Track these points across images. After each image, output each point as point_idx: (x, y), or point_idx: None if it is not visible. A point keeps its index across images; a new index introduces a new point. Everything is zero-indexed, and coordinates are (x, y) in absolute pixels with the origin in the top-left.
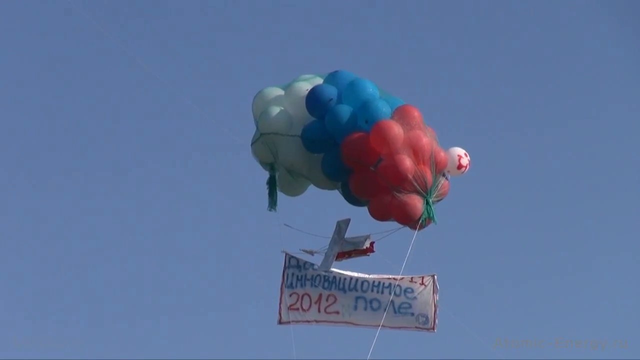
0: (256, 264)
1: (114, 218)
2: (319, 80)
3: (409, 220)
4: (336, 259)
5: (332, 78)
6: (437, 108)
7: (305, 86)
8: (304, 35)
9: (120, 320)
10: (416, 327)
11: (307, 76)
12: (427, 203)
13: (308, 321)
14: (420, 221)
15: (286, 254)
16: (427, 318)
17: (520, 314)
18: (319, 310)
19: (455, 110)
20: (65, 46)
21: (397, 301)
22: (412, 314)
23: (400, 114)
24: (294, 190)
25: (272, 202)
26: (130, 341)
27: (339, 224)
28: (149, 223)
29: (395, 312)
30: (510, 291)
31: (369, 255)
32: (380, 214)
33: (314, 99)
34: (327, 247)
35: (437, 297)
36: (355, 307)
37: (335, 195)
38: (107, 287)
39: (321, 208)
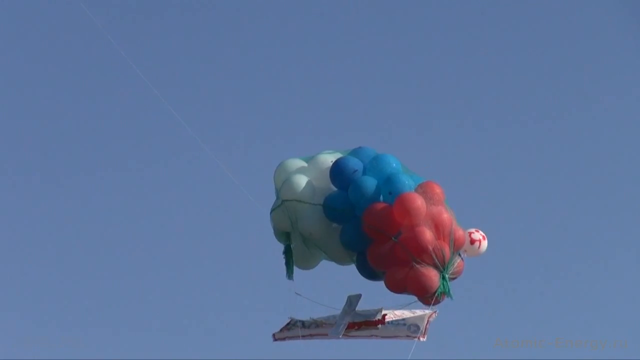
0: (265, 329)
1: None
2: (341, 155)
3: (424, 292)
4: (346, 329)
5: (355, 153)
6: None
7: (329, 158)
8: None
9: None
10: (407, 336)
11: (329, 151)
12: (444, 278)
13: (303, 336)
14: (436, 295)
15: (292, 319)
16: (418, 327)
17: (520, 314)
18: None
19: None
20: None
21: (397, 313)
22: (404, 324)
23: (424, 188)
24: (307, 263)
25: (290, 271)
26: None
27: (349, 298)
28: (157, 287)
29: (388, 324)
30: (510, 291)
31: (378, 327)
32: (395, 286)
33: (338, 169)
34: (338, 317)
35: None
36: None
37: (348, 269)
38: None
39: (333, 281)
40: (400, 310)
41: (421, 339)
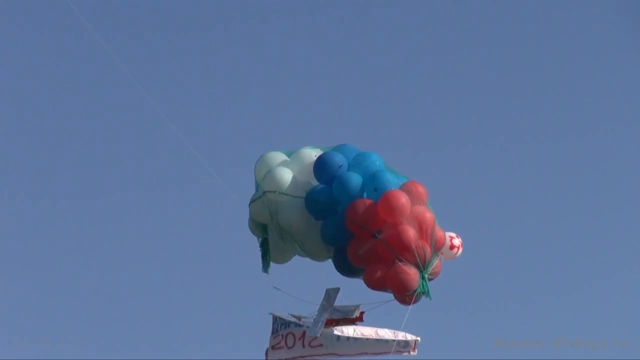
0: (245, 325)
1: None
2: (324, 151)
3: (403, 289)
4: (324, 326)
5: (338, 149)
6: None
7: (312, 153)
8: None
9: None
10: (397, 351)
11: (310, 147)
12: (423, 278)
13: (294, 357)
14: (414, 295)
15: (273, 315)
16: (407, 343)
17: (520, 314)
18: (303, 346)
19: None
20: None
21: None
22: (393, 340)
23: (408, 187)
24: (281, 257)
25: (266, 264)
26: None
27: (327, 292)
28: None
29: (377, 340)
30: (511, 292)
31: (357, 324)
32: (374, 282)
33: (323, 163)
34: (316, 313)
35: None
36: (338, 339)
37: (326, 265)
38: None
39: (310, 275)
40: (383, 331)
41: (411, 352)
